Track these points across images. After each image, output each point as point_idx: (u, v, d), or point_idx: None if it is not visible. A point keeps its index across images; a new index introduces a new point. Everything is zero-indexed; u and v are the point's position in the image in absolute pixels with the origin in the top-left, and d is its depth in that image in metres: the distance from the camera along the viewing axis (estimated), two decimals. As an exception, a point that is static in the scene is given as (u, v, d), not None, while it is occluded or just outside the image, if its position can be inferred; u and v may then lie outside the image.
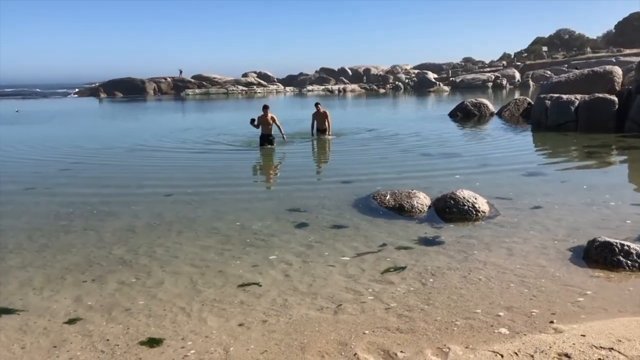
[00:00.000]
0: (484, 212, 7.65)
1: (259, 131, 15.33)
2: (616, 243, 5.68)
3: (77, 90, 73.26)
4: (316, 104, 16.94)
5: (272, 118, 14.93)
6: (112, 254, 6.47)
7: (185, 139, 18.42)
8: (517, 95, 30.88)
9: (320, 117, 16.68)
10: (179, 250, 6.56)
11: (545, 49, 73.06)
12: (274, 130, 15.28)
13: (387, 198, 8.38)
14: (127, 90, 63.88)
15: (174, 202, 9.06)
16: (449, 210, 7.71)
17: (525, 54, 75.27)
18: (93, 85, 72.27)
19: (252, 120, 15.02)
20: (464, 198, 7.74)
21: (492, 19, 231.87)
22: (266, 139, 15.07)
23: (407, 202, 8.07)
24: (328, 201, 8.84)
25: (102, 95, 63.30)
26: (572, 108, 16.79)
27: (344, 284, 5.38)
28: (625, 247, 5.62)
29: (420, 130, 19.35)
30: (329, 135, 16.67)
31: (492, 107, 23.77)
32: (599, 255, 5.69)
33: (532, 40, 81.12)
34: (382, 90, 60.89)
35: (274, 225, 7.57)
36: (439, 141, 16.12)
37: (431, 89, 56.61)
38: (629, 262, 5.53)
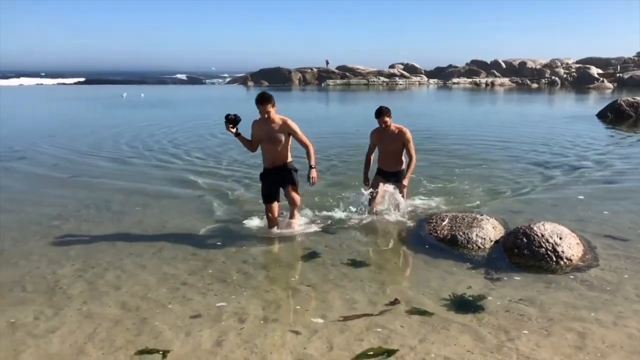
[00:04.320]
0: (570, 260, 5.20)
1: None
2: None
3: (228, 78, 76.48)
4: (379, 113, 6.68)
5: (284, 124, 6.04)
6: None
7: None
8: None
9: (387, 142, 6.86)
10: (133, 276, 5.09)
11: None
12: (291, 155, 6.30)
13: (444, 224, 6.21)
14: (275, 79, 65.19)
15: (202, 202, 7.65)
16: (519, 251, 5.38)
17: None
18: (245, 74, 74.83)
19: (232, 120, 5.94)
20: (541, 236, 5.34)
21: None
22: (274, 182, 6.26)
23: (464, 233, 5.84)
24: (373, 222, 6.82)
25: (250, 83, 65.21)
26: None
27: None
28: None
29: (551, 131, 16.17)
30: (404, 186, 6.85)
31: (656, 107, 19.48)
32: None
33: None
34: (534, 85, 55.30)
35: (278, 251, 5.83)
36: (569, 147, 13.04)
37: (591, 86, 49.95)
38: None
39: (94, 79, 69.54)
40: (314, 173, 6.10)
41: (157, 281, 4.97)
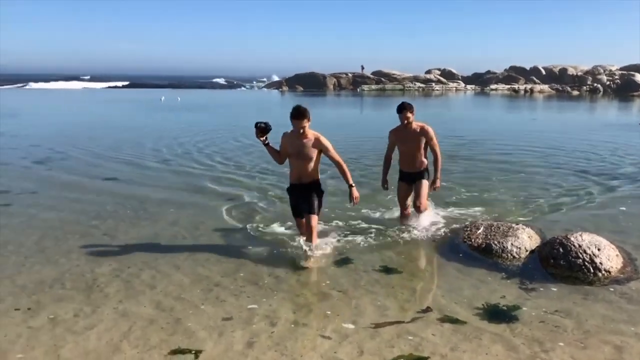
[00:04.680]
0: (609, 272, 5.08)
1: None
2: None
3: (266, 82, 77.20)
4: (401, 108, 6.39)
5: (317, 141, 5.67)
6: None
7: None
8: None
9: (407, 141, 6.56)
10: (167, 276, 5.19)
11: None
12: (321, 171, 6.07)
13: (478, 233, 6.14)
14: (309, 84, 65.46)
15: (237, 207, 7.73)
16: (554, 261, 5.28)
17: None
18: (280, 79, 75.34)
19: (262, 129, 5.63)
20: (578, 247, 5.23)
21: None
22: (301, 197, 5.87)
23: (499, 242, 5.76)
24: (406, 230, 6.70)
25: (284, 88, 65.63)
26: None
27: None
28: None
29: (591, 140, 15.81)
30: (437, 187, 6.71)
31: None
32: None
33: None
34: (575, 92, 54.12)
35: (310, 256, 5.85)
36: (610, 156, 12.73)
37: (635, 93, 48.56)
38: None
39: (137, 82, 71.39)
40: (355, 192, 5.78)
41: (191, 282, 5.06)
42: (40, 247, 6.04)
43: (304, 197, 5.81)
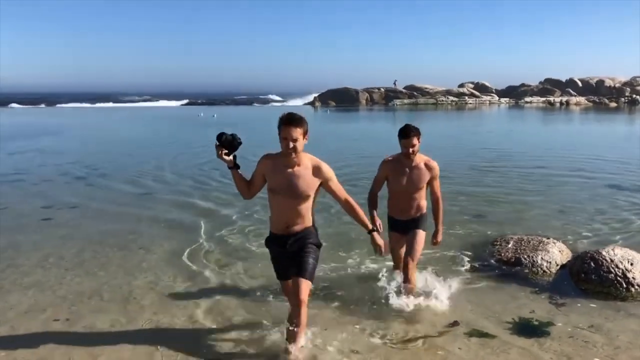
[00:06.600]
0: (643, 288, 5.00)
1: None
2: None
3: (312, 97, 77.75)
4: (407, 132, 4.65)
5: (317, 169, 3.77)
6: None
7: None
8: None
9: (407, 177, 4.81)
10: (200, 289, 5.31)
11: None
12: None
13: (509, 246, 6.13)
14: (342, 99, 65.71)
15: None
16: (585, 276, 5.23)
17: None
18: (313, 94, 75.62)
19: (227, 143, 3.71)
20: (610, 261, 5.18)
21: None
22: (286, 257, 3.93)
23: (529, 256, 5.74)
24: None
25: (317, 104, 65.88)
26: None
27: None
28: None
29: (622, 155, 15.49)
30: (438, 242, 5.09)
31: None
32: None
33: None
34: (613, 104, 53.02)
35: (337, 271, 5.92)
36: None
37: (677, 103, 47.46)
38: None
39: (195, 101, 74.18)
40: (379, 240, 3.93)
41: (223, 295, 5.18)
42: (79, 260, 6.27)
43: (291, 254, 3.90)
